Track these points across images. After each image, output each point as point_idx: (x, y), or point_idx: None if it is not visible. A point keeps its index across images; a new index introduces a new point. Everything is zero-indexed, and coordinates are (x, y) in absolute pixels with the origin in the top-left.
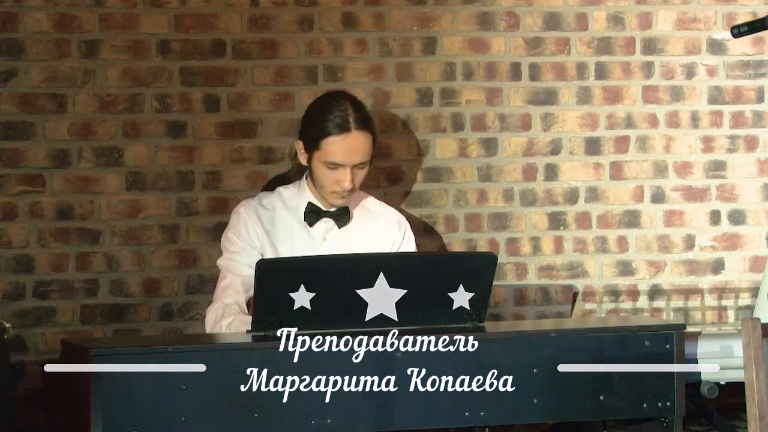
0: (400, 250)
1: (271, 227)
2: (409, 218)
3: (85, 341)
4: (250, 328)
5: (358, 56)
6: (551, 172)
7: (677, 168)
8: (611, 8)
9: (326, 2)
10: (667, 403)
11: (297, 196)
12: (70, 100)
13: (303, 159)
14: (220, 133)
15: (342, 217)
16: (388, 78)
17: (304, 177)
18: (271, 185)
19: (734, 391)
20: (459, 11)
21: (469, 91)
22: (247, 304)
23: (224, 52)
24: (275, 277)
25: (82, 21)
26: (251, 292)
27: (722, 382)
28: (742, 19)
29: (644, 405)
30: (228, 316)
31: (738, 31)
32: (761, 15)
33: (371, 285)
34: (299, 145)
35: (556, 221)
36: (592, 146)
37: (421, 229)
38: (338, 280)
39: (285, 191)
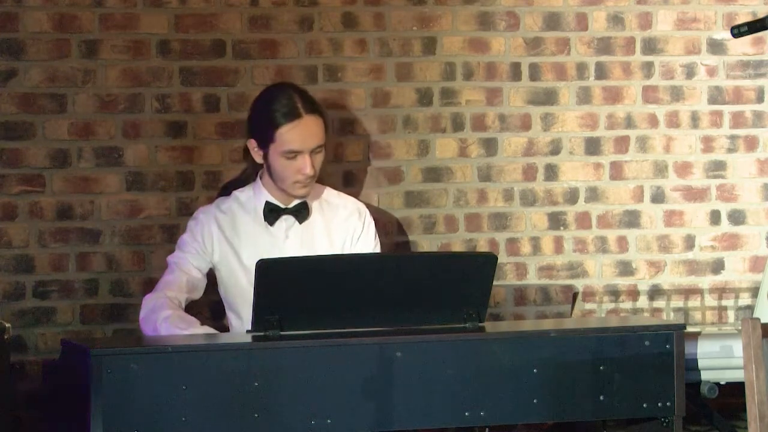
0: (360, 238)
1: (232, 233)
2: (409, 218)
3: (85, 341)
4: (183, 326)
5: (358, 56)
6: (551, 172)
7: (677, 168)
8: (611, 8)
9: (326, 2)
10: (667, 403)
11: (254, 197)
12: (70, 100)
13: (258, 157)
14: (220, 133)
15: (301, 212)
16: (388, 78)
17: (259, 177)
18: (224, 191)
19: (734, 391)
20: (459, 11)
21: (469, 91)
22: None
23: (224, 52)
24: (275, 277)
25: (82, 21)
26: (193, 294)
27: (722, 382)
28: (742, 19)
29: (644, 405)
30: (167, 308)
31: (738, 31)
32: (761, 15)
33: (371, 285)
34: (252, 144)
35: (556, 221)
36: (592, 146)
37: (421, 229)
38: (338, 280)
39: (241, 194)
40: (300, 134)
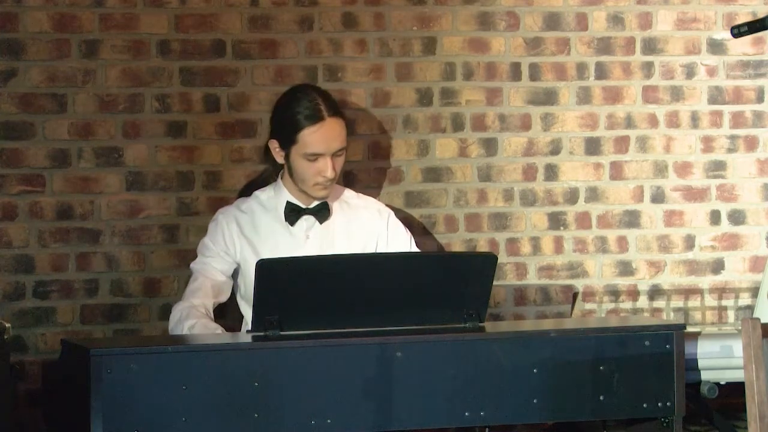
0: (389, 240)
1: (252, 232)
2: (409, 218)
3: (85, 341)
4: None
5: (358, 56)
6: (551, 172)
7: (677, 168)
8: (611, 8)
9: (326, 2)
10: (667, 403)
11: (274, 197)
12: (70, 100)
13: (279, 157)
14: (220, 133)
15: (322, 212)
16: (388, 78)
17: (279, 177)
18: (245, 191)
19: (734, 391)
20: (459, 11)
21: (469, 91)
22: (214, 311)
23: (224, 52)
24: (275, 277)
25: (82, 21)
26: (220, 298)
27: (722, 382)
28: (742, 19)
29: (644, 405)
30: (192, 317)
31: (738, 31)
32: (761, 15)
33: (372, 285)
34: (274, 144)
35: (556, 221)
36: (592, 146)
37: (421, 229)
38: (338, 280)
39: (262, 194)
40: (323, 137)
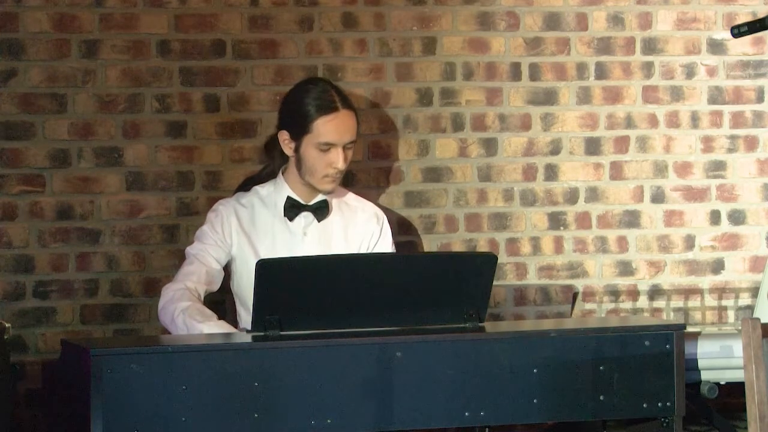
0: (378, 244)
1: (251, 226)
2: (409, 218)
3: (85, 341)
4: (200, 319)
5: (358, 56)
6: (551, 172)
7: (677, 168)
8: (611, 8)
9: (326, 2)
10: (667, 403)
11: (275, 192)
12: (70, 100)
13: (288, 149)
14: (220, 133)
15: (321, 210)
16: (388, 78)
17: (281, 173)
18: (243, 186)
19: (734, 391)
20: (459, 11)
21: (469, 91)
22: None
23: (224, 52)
24: (275, 277)
25: (82, 21)
26: (212, 286)
27: (722, 382)
28: (742, 19)
29: (644, 405)
30: (186, 300)
31: (738, 31)
32: (761, 15)
33: (371, 285)
34: (284, 136)
35: (556, 221)
36: (592, 146)
37: (421, 229)
38: (338, 280)
39: (262, 189)
40: (336, 127)
